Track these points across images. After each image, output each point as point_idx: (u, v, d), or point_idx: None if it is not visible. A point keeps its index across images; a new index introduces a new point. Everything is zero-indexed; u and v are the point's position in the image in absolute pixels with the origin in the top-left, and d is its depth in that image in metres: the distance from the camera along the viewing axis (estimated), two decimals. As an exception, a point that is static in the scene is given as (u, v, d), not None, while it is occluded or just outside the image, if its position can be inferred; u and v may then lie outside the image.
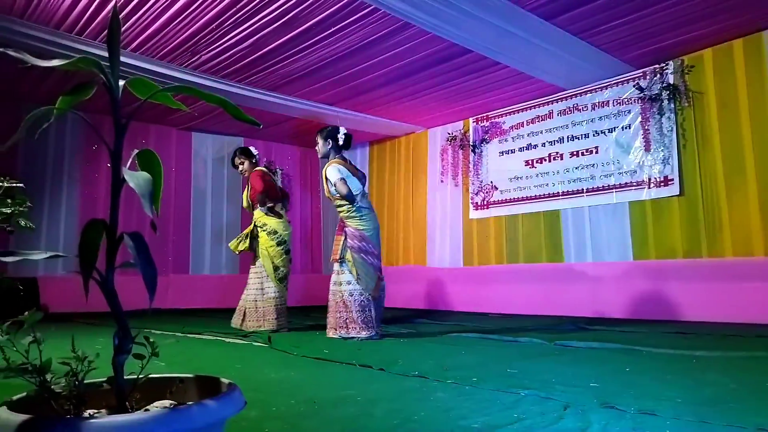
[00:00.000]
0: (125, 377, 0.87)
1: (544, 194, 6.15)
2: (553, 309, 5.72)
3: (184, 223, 7.34)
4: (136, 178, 0.75)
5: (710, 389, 2.05)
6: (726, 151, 4.85)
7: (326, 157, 4.16)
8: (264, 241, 4.53)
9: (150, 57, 5.15)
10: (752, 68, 4.74)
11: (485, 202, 6.76)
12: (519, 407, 1.74)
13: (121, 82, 0.88)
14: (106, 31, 4.06)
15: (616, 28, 4.60)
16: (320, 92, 6.13)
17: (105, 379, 0.84)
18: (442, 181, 7.30)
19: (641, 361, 2.74)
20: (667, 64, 5.21)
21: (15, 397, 0.82)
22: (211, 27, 4.57)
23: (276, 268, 4.50)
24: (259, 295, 4.49)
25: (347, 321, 3.81)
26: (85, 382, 0.82)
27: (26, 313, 0.88)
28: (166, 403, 0.86)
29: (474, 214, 6.88)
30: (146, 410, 0.80)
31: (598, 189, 5.66)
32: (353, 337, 3.76)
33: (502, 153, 6.66)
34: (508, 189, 6.52)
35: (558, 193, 6.01)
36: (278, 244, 4.53)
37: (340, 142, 4.09)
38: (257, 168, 4.90)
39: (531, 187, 6.29)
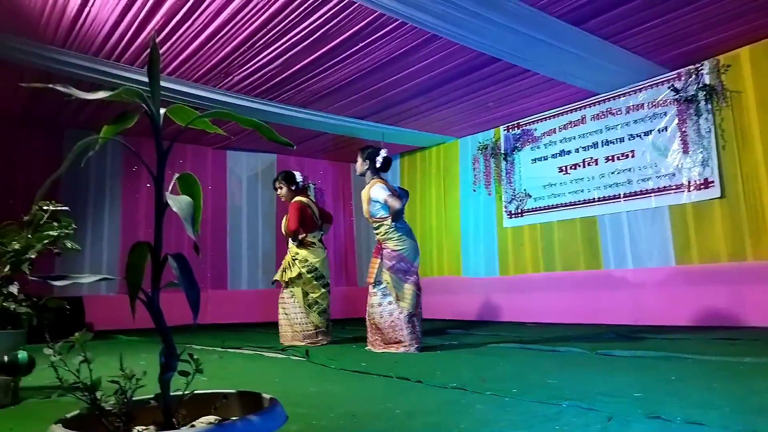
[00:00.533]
0: (171, 393, 0.90)
1: (579, 200, 6.05)
2: (593, 317, 5.60)
3: (221, 240, 7.50)
4: (178, 202, 0.78)
5: (759, 397, 1.98)
6: (767, 150, 4.70)
7: (363, 175, 4.13)
8: (297, 269, 4.54)
9: (185, 80, 5.31)
10: (793, 64, 4.59)
11: (519, 210, 6.69)
12: (561, 419, 1.71)
13: (162, 110, 0.91)
14: (145, 56, 4.21)
15: (647, 31, 4.53)
16: (351, 107, 6.20)
17: (152, 396, 0.87)
18: (474, 191, 7.26)
19: (686, 369, 2.65)
20: (702, 65, 5.08)
21: (68, 415, 0.86)
22: (243, 48, 4.69)
23: (305, 294, 4.51)
24: (284, 319, 4.56)
25: (396, 338, 3.77)
26: (134, 399, 0.85)
27: (76, 333, 0.92)
28: (211, 418, 0.88)
29: (508, 223, 6.81)
30: (192, 426, 0.82)
31: (635, 193, 5.54)
32: (400, 353, 3.69)
33: (534, 160, 6.59)
34: (542, 196, 6.44)
35: (594, 198, 5.91)
36: (309, 272, 4.51)
37: (378, 165, 4.04)
38: (297, 199, 4.73)
39: (566, 193, 6.19)
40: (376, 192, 3.91)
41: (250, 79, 5.32)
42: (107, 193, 6.80)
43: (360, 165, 4.11)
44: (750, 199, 4.77)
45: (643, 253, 5.49)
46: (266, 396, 0.91)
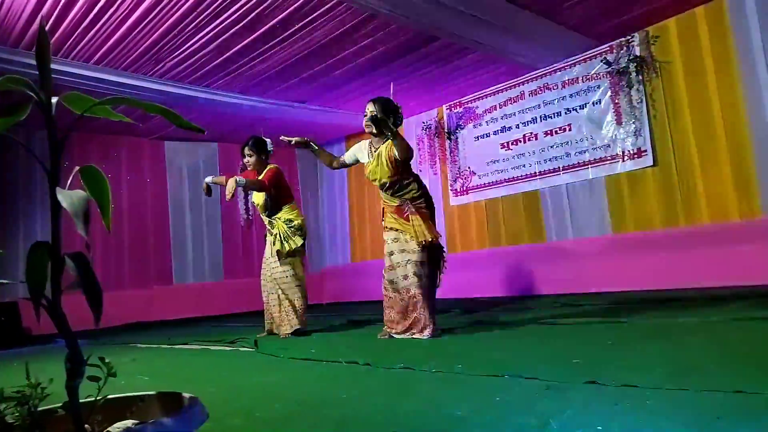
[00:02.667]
0: (88, 399, 0.85)
1: (521, 175, 6.17)
2: (537, 289, 5.76)
3: (163, 234, 7.26)
4: (69, 198, 0.72)
5: (690, 356, 2.08)
6: (696, 118, 4.90)
7: (377, 134, 3.52)
8: (299, 239, 4.09)
9: (114, 68, 5.07)
10: (716, 35, 4.78)
11: (464, 188, 6.77)
12: (503, 391, 1.74)
13: (54, 98, 0.85)
14: (67, 45, 3.93)
15: (579, 5, 4.61)
16: (292, 91, 6.08)
17: (60, 404, 0.82)
18: (420, 171, 7.28)
19: (623, 334, 2.76)
20: (632, 37, 5.24)
21: (-30, 432, 0.80)
22: (172, 33, 4.51)
23: (299, 266, 4.15)
24: (284, 301, 4.07)
25: (428, 320, 3.30)
26: (41, 409, 0.80)
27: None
28: (129, 423, 0.84)
29: (454, 201, 6.89)
30: (106, 432, 0.78)
31: (573, 166, 5.70)
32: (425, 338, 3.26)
33: (477, 138, 6.67)
34: (485, 173, 6.53)
35: (535, 173, 6.04)
36: (302, 245, 4.14)
37: (399, 121, 3.57)
38: (271, 166, 4.30)
39: (509, 169, 6.31)
40: (402, 141, 3.36)
41: (183, 65, 5.13)
42: (38, 191, 6.45)
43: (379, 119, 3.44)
44: (681, 166, 4.98)
45: (583, 223, 5.67)
46: (186, 395, 0.88)
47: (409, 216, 3.44)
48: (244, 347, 3.55)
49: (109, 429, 0.81)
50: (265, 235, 4.35)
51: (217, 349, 3.67)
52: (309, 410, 1.75)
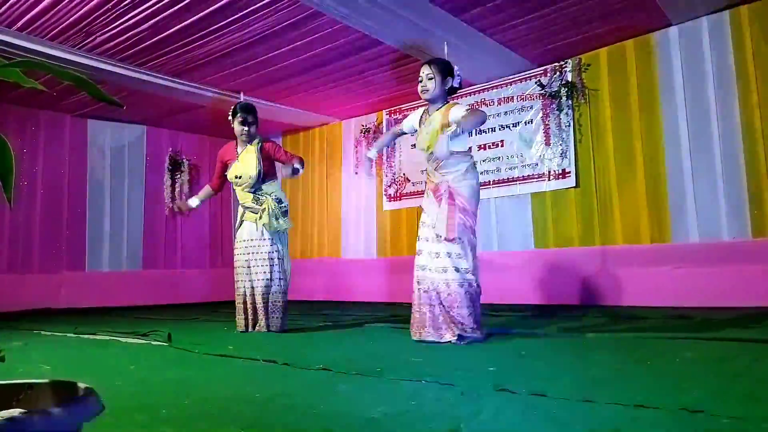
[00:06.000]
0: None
1: (453, 186, 6.28)
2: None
3: (79, 217, 6.85)
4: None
5: (597, 369, 2.18)
6: (618, 145, 5.19)
7: (431, 100, 3.24)
8: (289, 221, 3.89)
9: (39, 37, 4.74)
10: (643, 67, 5.08)
11: (398, 194, 6.83)
12: (419, 395, 1.76)
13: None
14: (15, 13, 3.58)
15: (520, 26, 4.78)
16: (228, 79, 5.91)
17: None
18: (356, 173, 7.29)
19: (536, 346, 2.86)
20: (566, 62, 5.48)
21: None
22: (107, 6, 4.27)
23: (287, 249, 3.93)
24: (266, 286, 3.80)
25: (453, 320, 2.99)
26: None
27: None
28: (15, 412, 0.77)
29: (387, 206, 6.93)
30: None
31: (503, 181, 5.88)
32: (459, 341, 2.96)
33: (413, 145, 6.70)
34: (420, 181, 6.61)
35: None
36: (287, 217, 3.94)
37: (456, 84, 3.24)
38: (266, 139, 4.09)
39: (441, 179, 6.41)
40: (457, 112, 3.05)
41: (115, 41, 4.86)
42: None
43: (439, 83, 3.17)
44: (600, 189, 5.26)
45: (508, 237, 5.86)
46: (82, 385, 0.82)
47: (441, 201, 3.09)
48: (157, 341, 3.39)
49: (-11, 419, 0.74)
50: (241, 220, 3.99)
51: (128, 341, 3.49)
52: (218, 408, 1.69)
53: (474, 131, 6.12)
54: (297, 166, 3.77)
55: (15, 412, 0.78)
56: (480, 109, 2.97)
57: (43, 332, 4.06)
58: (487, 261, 5.85)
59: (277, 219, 3.84)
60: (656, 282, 4.74)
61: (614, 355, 2.49)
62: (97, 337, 3.70)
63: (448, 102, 3.24)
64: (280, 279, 3.84)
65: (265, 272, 3.82)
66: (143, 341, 3.44)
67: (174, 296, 7.26)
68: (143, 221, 7.33)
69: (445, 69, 3.20)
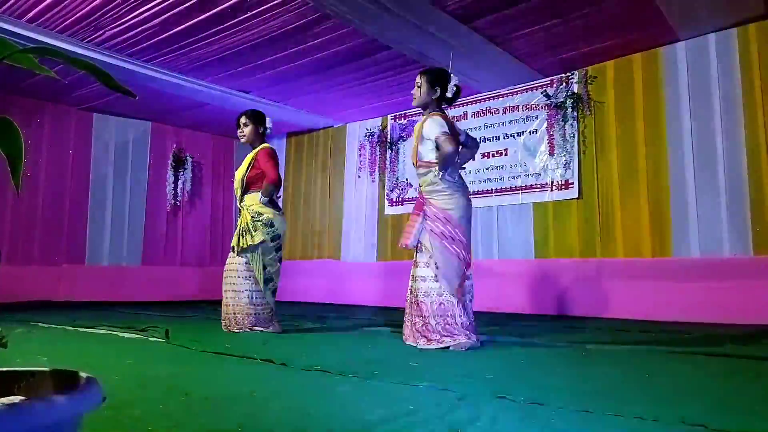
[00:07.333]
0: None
1: (456, 193, 6.29)
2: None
3: (81, 211, 6.86)
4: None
5: (596, 380, 2.17)
6: (622, 158, 5.19)
7: (423, 106, 3.22)
8: (261, 234, 3.74)
9: (48, 29, 4.76)
10: (649, 81, 5.09)
11: (400, 199, 6.83)
12: (416, 399, 1.75)
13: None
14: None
15: (528, 36, 4.79)
16: (235, 79, 5.93)
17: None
18: (359, 177, 7.30)
19: (536, 354, 2.86)
20: (572, 74, 5.49)
21: None
22: (116, 1, 4.29)
23: (264, 268, 3.77)
24: (234, 299, 3.77)
25: (423, 329, 3.02)
26: None
27: None
28: (16, 399, 0.77)
29: (389, 210, 6.93)
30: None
31: (506, 189, 5.88)
32: (430, 350, 2.95)
33: (417, 151, 6.74)
34: (422, 186, 6.61)
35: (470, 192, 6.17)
36: (272, 239, 3.79)
37: (449, 94, 3.15)
38: (266, 145, 3.95)
39: (444, 185, 6.41)
40: (429, 127, 3.05)
41: (124, 36, 4.89)
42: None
43: (426, 91, 3.15)
44: (603, 201, 5.26)
45: (509, 245, 5.85)
46: (83, 375, 0.82)
47: (417, 214, 3.16)
48: (155, 337, 3.39)
49: (-9, 405, 0.73)
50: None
51: (126, 336, 3.48)
52: (214, 406, 1.69)
53: (478, 139, 6.13)
54: (263, 195, 3.78)
55: (15, 399, 0.78)
56: (447, 140, 2.89)
57: (41, 324, 4.05)
58: (486, 269, 5.86)
59: (245, 235, 3.75)
60: (657, 296, 4.73)
61: (614, 367, 2.49)
62: (95, 331, 3.70)
63: (433, 111, 3.17)
64: (254, 294, 3.75)
65: (236, 290, 3.77)
66: (141, 336, 3.43)
67: (173, 293, 7.26)
68: (145, 217, 7.34)
69: (433, 78, 3.16)
